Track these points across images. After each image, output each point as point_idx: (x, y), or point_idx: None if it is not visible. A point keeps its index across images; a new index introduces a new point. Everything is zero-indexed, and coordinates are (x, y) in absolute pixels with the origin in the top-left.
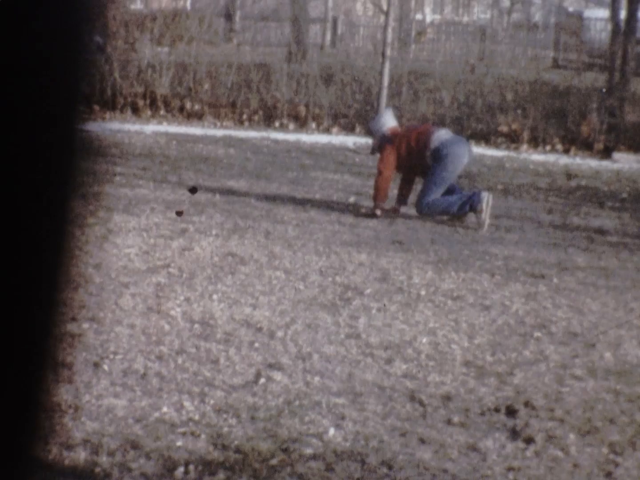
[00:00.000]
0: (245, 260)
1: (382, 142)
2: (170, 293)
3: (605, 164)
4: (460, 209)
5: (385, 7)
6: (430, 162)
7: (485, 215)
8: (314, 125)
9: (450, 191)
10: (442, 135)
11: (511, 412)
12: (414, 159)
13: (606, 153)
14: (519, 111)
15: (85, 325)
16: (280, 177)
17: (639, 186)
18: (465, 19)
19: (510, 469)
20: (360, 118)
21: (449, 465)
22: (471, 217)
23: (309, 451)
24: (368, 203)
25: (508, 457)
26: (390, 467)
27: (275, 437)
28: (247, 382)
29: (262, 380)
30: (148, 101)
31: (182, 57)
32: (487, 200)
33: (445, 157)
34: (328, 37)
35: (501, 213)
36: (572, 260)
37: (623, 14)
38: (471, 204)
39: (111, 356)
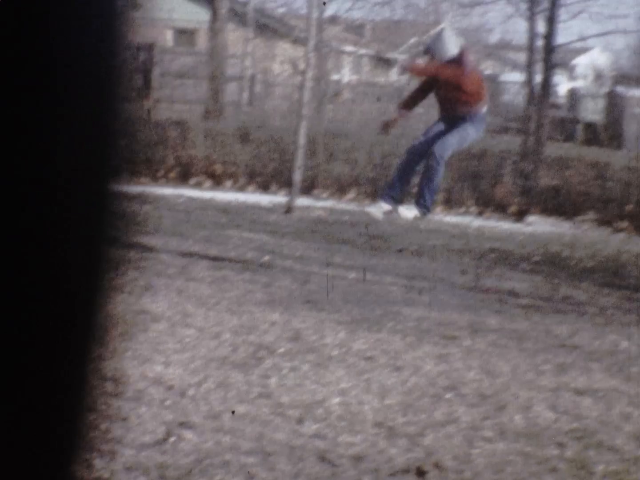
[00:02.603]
0: (158, 317)
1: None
2: None
3: (519, 226)
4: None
5: (302, 67)
6: (468, 117)
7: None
8: (229, 183)
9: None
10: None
11: (421, 473)
12: (458, 99)
13: (520, 216)
14: None
15: None
16: (195, 235)
17: (552, 249)
18: (383, 80)
19: None
20: (275, 177)
21: None
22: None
23: None
24: (281, 262)
25: None
26: None
27: None
28: (158, 441)
29: (173, 438)
30: None
31: None
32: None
33: (481, 125)
34: (245, 95)
35: (414, 274)
36: (484, 322)
37: (538, 79)
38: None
39: None
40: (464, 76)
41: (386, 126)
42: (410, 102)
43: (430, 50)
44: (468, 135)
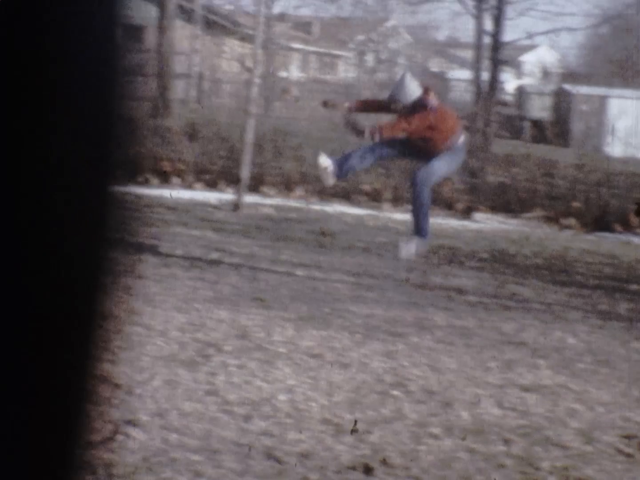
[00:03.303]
0: (105, 315)
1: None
2: None
3: (466, 223)
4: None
5: (249, 64)
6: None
7: None
8: (177, 180)
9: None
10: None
11: (368, 470)
12: (432, 138)
13: (467, 213)
14: (382, 170)
15: None
16: (142, 233)
17: (499, 246)
18: (331, 77)
19: None
20: (223, 174)
21: None
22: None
23: None
24: (229, 259)
25: None
26: None
27: None
28: (105, 439)
29: (120, 436)
30: None
31: None
32: None
33: (461, 155)
34: (193, 92)
35: (362, 271)
36: (431, 319)
37: (486, 76)
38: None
39: None
40: (433, 115)
41: (330, 104)
42: (365, 108)
43: (395, 97)
44: (449, 164)
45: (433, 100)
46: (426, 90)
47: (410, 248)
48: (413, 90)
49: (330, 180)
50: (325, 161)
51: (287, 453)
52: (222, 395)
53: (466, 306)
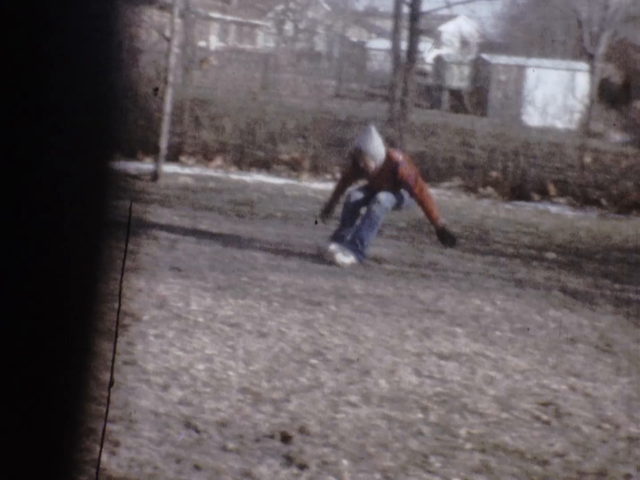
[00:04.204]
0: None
1: (389, 165)
2: None
3: None
4: (368, 242)
5: (168, 33)
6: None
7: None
8: None
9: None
10: None
11: (286, 438)
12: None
13: None
14: (301, 140)
15: None
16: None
17: (417, 215)
18: (250, 47)
19: None
20: (141, 144)
21: None
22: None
23: (83, 478)
24: (147, 229)
25: None
26: None
27: None
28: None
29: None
30: None
31: None
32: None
33: None
34: None
35: (280, 240)
36: (349, 287)
37: (404, 46)
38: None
39: None
40: (404, 167)
41: (325, 215)
42: (345, 184)
43: (361, 149)
44: (408, 202)
45: (399, 155)
46: (388, 151)
47: (345, 260)
48: (378, 145)
49: (337, 259)
50: (333, 247)
51: (205, 422)
52: (140, 364)
53: (384, 275)
